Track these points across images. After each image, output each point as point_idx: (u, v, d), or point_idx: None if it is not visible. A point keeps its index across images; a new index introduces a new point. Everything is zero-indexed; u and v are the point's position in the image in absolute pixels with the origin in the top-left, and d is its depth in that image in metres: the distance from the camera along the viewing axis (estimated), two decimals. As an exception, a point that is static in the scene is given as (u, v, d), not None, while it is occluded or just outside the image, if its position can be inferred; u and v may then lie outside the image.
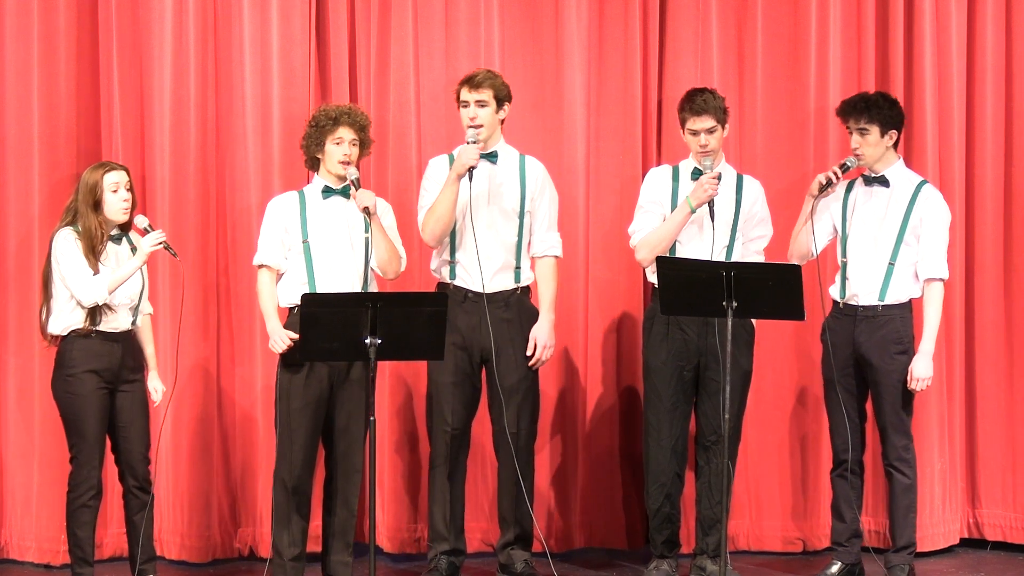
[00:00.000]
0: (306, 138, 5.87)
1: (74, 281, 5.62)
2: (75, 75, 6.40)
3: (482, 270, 5.95)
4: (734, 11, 6.74)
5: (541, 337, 6.02)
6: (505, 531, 6.16)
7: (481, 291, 5.96)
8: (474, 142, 5.88)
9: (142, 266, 5.68)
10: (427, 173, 6.10)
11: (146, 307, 5.87)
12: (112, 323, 5.69)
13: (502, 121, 6.04)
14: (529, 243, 6.10)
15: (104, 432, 5.71)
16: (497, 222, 6.01)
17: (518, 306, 6.05)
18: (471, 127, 5.92)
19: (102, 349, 5.67)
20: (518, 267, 6.06)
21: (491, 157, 6.00)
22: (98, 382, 5.66)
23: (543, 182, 6.11)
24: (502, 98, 5.99)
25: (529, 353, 6.01)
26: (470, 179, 5.87)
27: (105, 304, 5.63)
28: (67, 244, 5.64)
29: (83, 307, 5.62)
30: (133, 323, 5.77)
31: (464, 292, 5.98)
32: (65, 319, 5.68)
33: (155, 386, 5.86)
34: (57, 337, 5.70)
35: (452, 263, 6.02)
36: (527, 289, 6.10)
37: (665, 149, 6.71)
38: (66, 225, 5.68)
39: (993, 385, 6.83)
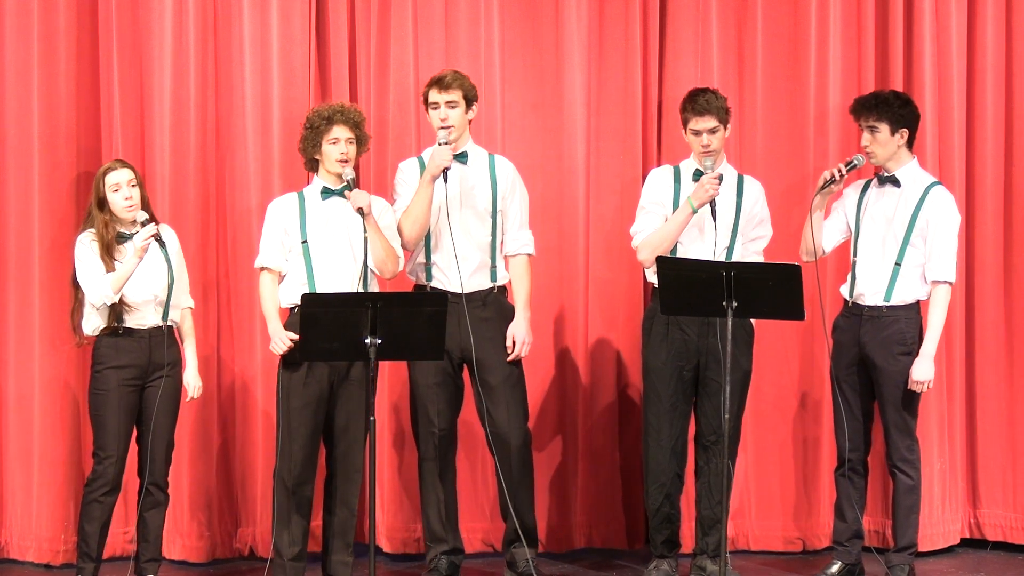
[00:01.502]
0: (303, 140, 5.87)
1: (84, 282, 5.69)
2: (75, 75, 6.40)
3: (460, 271, 5.95)
4: (734, 11, 6.74)
5: (519, 334, 6.02)
6: (507, 529, 6.16)
7: (459, 292, 5.96)
8: (446, 143, 5.88)
9: (140, 263, 5.65)
10: (398, 177, 6.10)
11: (184, 301, 5.89)
12: (138, 320, 5.72)
13: (470, 122, 6.04)
14: (502, 242, 6.10)
15: (127, 430, 5.74)
16: (471, 223, 6.01)
17: (495, 305, 6.05)
18: (442, 128, 5.92)
19: (128, 346, 5.70)
20: (493, 266, 6.07)
21: (461, 158, 5.99)
22: (122, 379, 5.69)
23: (513, 181, 6.11)
24: (471, 98, 6.00)
25: (508, 349, 6.01)
26: (444, 180, 5.87)
27: (123, 302, 5.65)
28: (83, 247, 5.72)
29: (95, 307, 5.66)
30: (164, 319, 5.77)
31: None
32: (94, 320, 5.73)
33: (189, 380, 5.87)
34: (92, 338, 5.75)
35: (428, 265, 6.01)
36: (503, 288, 6.10)
37: (665, 149, 6.71)
38: (88, 227, 5.74)
39: (993, 385, 6.83)
